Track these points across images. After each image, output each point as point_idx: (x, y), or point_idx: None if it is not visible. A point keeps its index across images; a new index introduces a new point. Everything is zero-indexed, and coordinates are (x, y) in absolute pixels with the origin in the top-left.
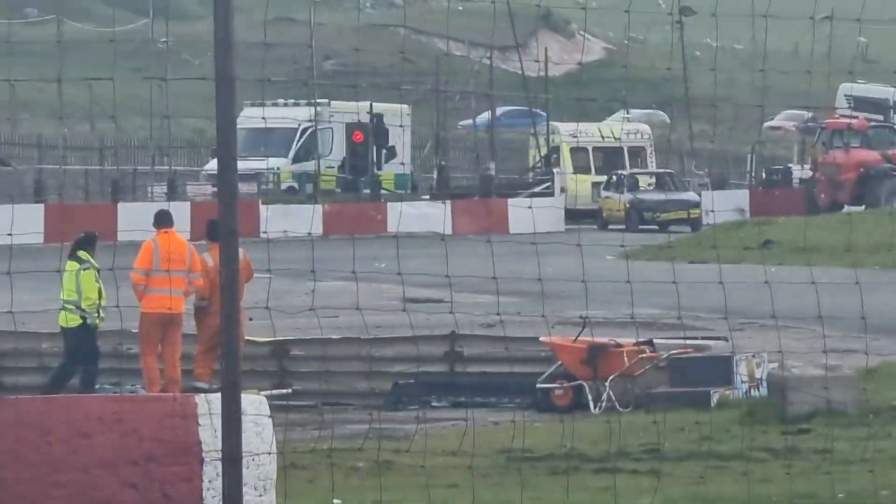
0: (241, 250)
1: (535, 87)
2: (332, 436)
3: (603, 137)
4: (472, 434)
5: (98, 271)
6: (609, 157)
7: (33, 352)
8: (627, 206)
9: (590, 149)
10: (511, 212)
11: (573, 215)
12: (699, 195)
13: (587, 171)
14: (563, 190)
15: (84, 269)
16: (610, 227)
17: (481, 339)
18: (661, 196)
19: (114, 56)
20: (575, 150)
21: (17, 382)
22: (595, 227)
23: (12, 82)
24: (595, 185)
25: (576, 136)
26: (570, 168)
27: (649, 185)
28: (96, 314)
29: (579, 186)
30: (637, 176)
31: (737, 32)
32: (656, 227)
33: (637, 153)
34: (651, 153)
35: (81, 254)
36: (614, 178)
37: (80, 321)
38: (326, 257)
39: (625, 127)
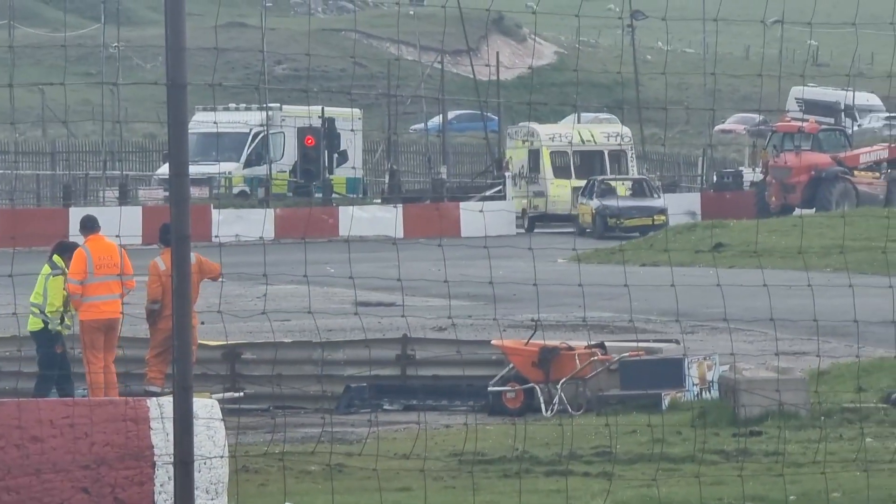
0: (192, 254)
1: (487, 91)
2: (284, 439)
3: (583, 141)
4: (424, 437)
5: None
6: (589, 161)
7: None
8: (594, 212)
9: (570, 153)
10: (462, 215)
11: (552, 219)
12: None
13: (567, 174)
14: (542, 194)
15: (54, 275)
16: (587, 231)
17: (433, 343)
18: (626, 203)
19: (65, 61)
20: (555, 154)
21: None
22: (573, 230)
23: None
24: (575, 189)
25: (555, 139)
26: (551, 172)
27: (627, 191)
28: (59, 321)
29: (560, 191)
30: (609, 182)
31: (688, 36)
32: (621, 233)
33: (618, 157)
34: (632, 157)
35: (56, 259)
36: (590, 183)
37: (42, 325)
38: (278, 261)
39: (605, 130)
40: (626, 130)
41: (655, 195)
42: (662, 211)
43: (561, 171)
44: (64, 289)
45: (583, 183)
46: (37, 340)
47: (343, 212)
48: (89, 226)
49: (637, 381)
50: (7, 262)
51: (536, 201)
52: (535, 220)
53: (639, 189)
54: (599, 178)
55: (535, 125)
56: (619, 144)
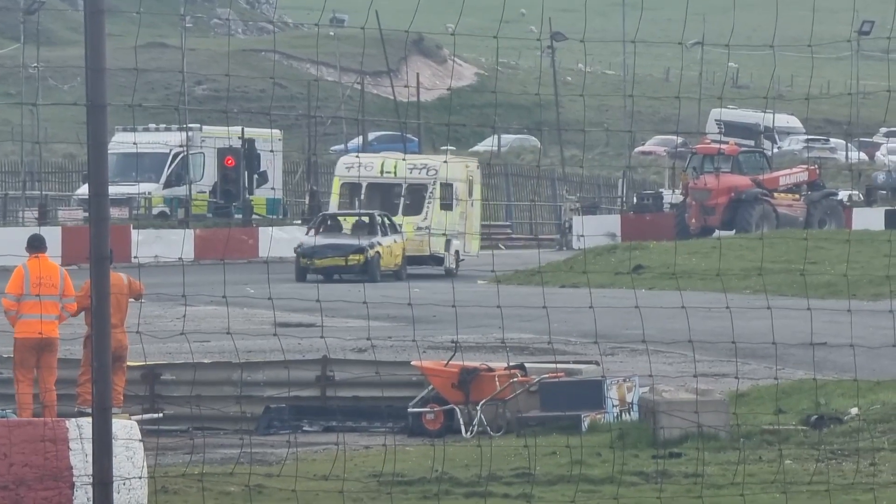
0: (123, 275)
1: (407, 112)
2: (204, 460)
3: (382, 172)
4: (344, 458)
5: None
6: (385, 195)
7: None
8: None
9: (363, 185)
10: None
11: None
12: (377, 237)
13: (355, 209)
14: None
15: None
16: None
17: (353, 364)
18: (324, 241)
19: None
20: (347, 185)
21: None
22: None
23: None
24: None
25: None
26: (336, 205)
27: (399, 225)
28: None
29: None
30: (338, 217)
31: (608, 58)
32: (316, 275)
33: (418, 191)
34: (431, 192)
35: None
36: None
37: None
38: (198, 282)
39: (412, 161)
40: (434, 164)
41: (376, 232)
42: (360, 249)
43: (349, 206)
44: None
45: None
46: None
47: (263, 233)
48: (36, 245)
49: (557, 402)
50: None
51: None
52: None
53: (363, 225)
54: (323, 213)
55: (344, 157)
56: (422, 178)
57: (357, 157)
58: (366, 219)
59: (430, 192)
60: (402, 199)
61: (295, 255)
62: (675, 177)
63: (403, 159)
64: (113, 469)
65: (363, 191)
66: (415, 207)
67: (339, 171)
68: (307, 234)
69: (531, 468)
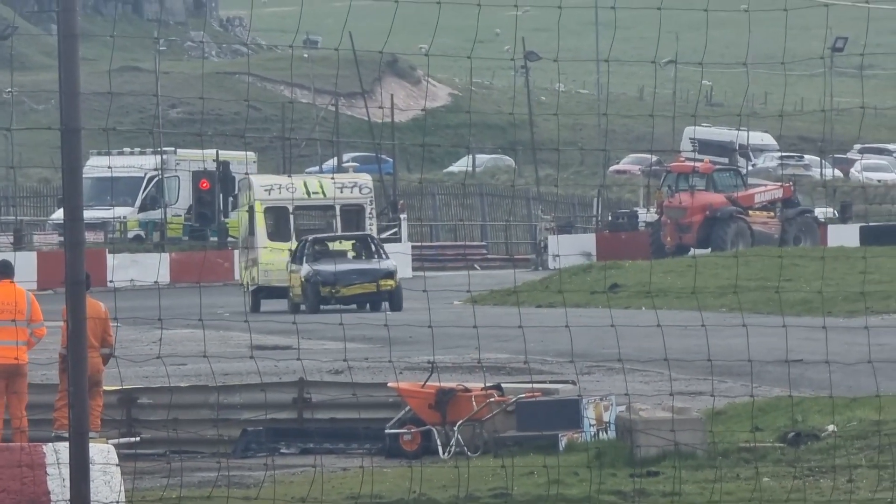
0: (101, 304)
1: (381, 133)
2: (181, 484)
3: (309, 194)
4: (321, 481)
5: None
6: (317, 219)
7: None
8: (303, 280)
9: (290, 208)
10: None
11: (265, 294)
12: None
13: (286, 236)
14: (254, 264)
15: None
16: (301, 306)
17: (329, 385)
18: (345, 266)
19: None
20: (271, 211)
21: None
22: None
23: None
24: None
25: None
26: (263, 233)
27: (352, 254)
28: None
29: (274, 257)
30: (326, 241)
31: (582, 77)
32: (339, 304)
33: (355, 212)
34: (371, 212)
35: None
36: (301, 244)
37: None
38: (173, 305)
39: (340, 180)
40: (366, 180)
41: (382, 255)
42: (390, 274)
43: (278, 233)
44: None
45: None
46: None
47: (238, 255)
48: (2, 271)
49: (534, 422)
50: None
51: (255, 271)
52: (260, 295)
53: (362, 248)
54: (312, 237)
55: (252, 177)
56: (356, 197)
57: (285, 177)
58: (362, 241)
59: (371, 212)
60: (339, 220)
61: (304, 284)
62: (650, 195)
63: (332, 178)
64: (91, 493)
65: (291, 215)
66: (352, 230)
67: (258, 194)
68: (296, 262)
69: (509, 488)
